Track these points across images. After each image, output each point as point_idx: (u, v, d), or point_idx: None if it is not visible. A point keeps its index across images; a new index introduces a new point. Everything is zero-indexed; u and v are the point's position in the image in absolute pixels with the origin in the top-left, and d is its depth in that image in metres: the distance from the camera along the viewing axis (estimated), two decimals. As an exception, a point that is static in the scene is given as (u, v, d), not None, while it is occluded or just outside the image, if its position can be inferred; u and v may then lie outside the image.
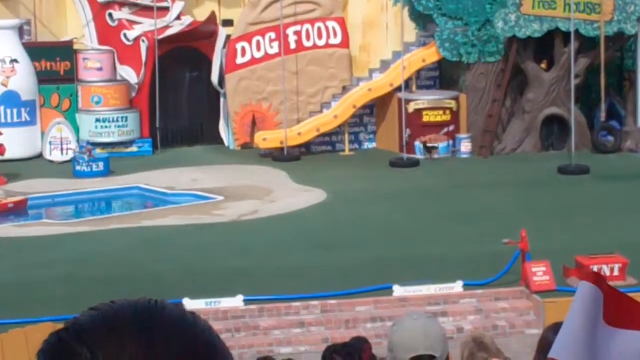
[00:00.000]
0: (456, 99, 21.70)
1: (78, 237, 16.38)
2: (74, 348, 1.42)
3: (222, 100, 22.43)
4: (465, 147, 21.48)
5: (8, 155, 20.07)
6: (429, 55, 21.98)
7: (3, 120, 21.12)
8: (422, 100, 21.65)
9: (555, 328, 5.36)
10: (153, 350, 1.42)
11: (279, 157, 21.28)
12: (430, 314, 4.18)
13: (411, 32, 22.28)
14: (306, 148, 21.91)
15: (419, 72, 22.21)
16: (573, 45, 21.04)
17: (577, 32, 21.15)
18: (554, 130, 21.79)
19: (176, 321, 1.46)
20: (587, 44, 21.59)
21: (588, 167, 19.86)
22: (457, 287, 13.80)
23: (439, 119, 21.53)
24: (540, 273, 13.69)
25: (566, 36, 21.28)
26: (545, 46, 21.58)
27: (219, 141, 22.47)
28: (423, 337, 3.72)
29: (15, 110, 21.46)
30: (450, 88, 22.11)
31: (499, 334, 12.87)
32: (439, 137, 21.53)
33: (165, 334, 1.44)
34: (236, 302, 13.40)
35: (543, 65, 21.88)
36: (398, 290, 13.69)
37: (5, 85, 21.39)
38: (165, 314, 1.46)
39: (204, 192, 18.94)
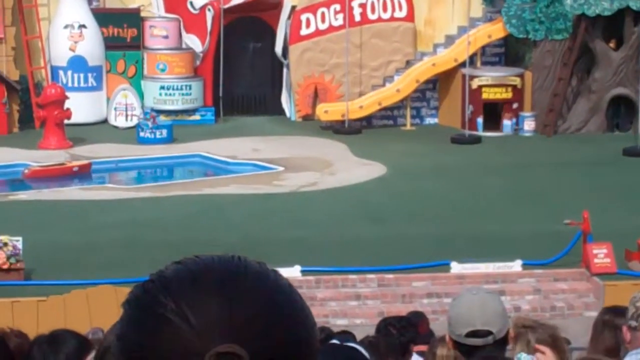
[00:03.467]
0: (521, 76, 21.52)
1: (139, 202, 16.55)
2: (159, 299, 1.44)
3: (284, 71, 22.46)
4: (529, 125, 21.31)
5: (74, 119, 20.28)
6: (495, 31, 21.81)
7: (70, 85, 21.34)
8: (486, 76, 21.50)
9: (611, 311, 5.33)
10: (236, 303, 1.44)
11: (339, 129, 21.28)
12: (494, 291, 4.17)
13: (477, 7, 22.10)
14: (367, 121, 21.88)
15: (484, 47, 22.05)
16: (642, 25, 20.74)
17: (647, 11, 20.84)
18: (620, 110, 21.54)
19: (259, 276, 1.48)
20: (657, 24, 21.28)
21: (653, 149, 19.61)
22: (516, 266, 13.74)
23: (503, 96, 21.38)
24: (601, 255, 13.58)
25: (636, 15, 20.97)
26: (614, 25, 21.30)
27: (281, 112, 22.53)
28: (480, 312, 3.71)
29: (82, 75, 21.68)
30: (515, 65, 21.93)
31: (557, 315, 12.82)
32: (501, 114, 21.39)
33: (247, 288, 1.46)
34: (293, 272, 13.47)
35: (611, 44, 21.61)
36: (455, 267, 13.67)
37: (73, 50, 21.59)
38: (248, 269, 1.49)
39: (265, 162, 19.02)
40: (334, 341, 4.42)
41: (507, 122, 21.38)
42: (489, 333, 3.71)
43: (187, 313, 1.43)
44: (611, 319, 5.20)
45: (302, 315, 1.49)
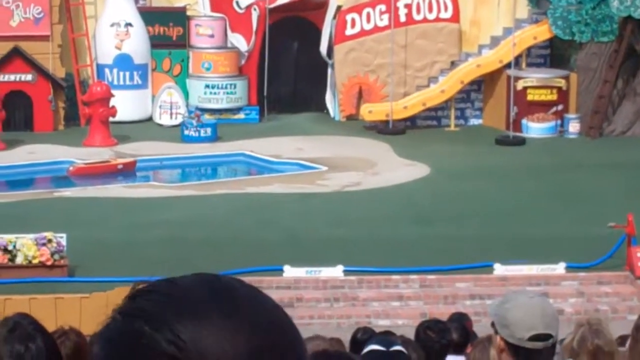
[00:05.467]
0: (566, 78, 21.39)
1: (183, 201, 16.63)
2: (157, 338, 1.35)
3: (329, 70, 22.47)
4: (574, 127, 21.18)
5: (119, 117, 20.41)
6: (541, 32, 21.70)
7: (115, 83, 21.48)
8: (531, 78, 21.40)
9: None
10: (237, 327, 1.34)
11: (383, 129, 21.26)
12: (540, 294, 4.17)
13: (523, 8, 22.00)
14: (411, 122, 21.85)
15: (529, 49, 21.95)
16: (690, 27, 20.55)
17: (695, 14, 20.65)
18: (666, 113, 21.36)
19: (248, 295, 1.38)
20: None
21: (700, 152, 19.42)
22: (560, 268, 13.67)
23: (548, 97, 21.28)
24: (645, 258, 13.47)
25: (683, 18, 20.78)
26: (661, 27, 21.12)
27: (325, 111, 22.55)
28: (541, 316, 3.71)
29: (127, 73, 21.81)
30: (560, 67, 21.81)
31: (600, 317, 12.72)
32: (546, 116, 21.29)
33: (242, 309, 1.36)
34: (336, 272, 13.48)
35: (658, 47, 21.43)
36: (499, 269, 13.62)
37: (119, 49, 21.74)
38: (234, 288, 1.39)
39: (308, 162, 19.04)
40: (377, 347, 4.41)
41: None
42: (550, 336, 3.70)
43: (194, 343, 1.33)
44: None
45: (294, 332, 1.40)
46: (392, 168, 18.67)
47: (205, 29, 22.23)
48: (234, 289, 1.39)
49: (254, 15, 22.15)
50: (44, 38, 21.10)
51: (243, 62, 22.31)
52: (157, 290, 1.40)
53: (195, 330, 1.34)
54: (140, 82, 21.88)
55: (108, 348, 1.38)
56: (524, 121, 21.20)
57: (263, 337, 1.35)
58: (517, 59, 21.56)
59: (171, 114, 21.85)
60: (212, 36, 22.17)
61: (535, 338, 3.69)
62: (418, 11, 22.17)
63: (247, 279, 1.56)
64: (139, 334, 1.36)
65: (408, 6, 22.10)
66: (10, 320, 3.78)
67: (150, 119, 21.91)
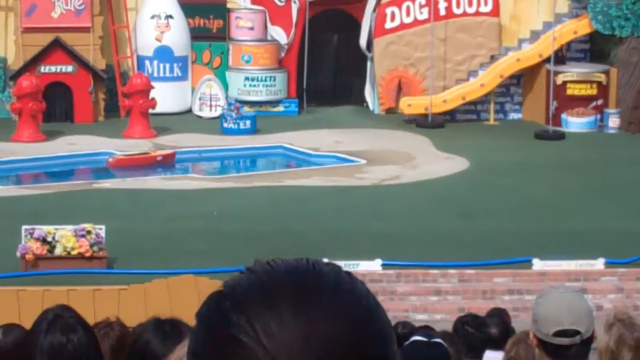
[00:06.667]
0: (606, 72, 21.26)
1: (222, 193, 16.70)
2: (232, 319, 1.41)
3: (368, 64, 22.46)
4: (613, 122, 21.06)
5: (158, 108, 20.50)
6: (581, 27, 21.57)
7: (155, 75, 21.57)
8: (571, 72, 21.28)
9: None
10: (312, 324, 1.39)
11: (422, 123, 21.23)
12: (576, 289, 4.14)
13: (563, 2, 21.88)
14: (450, 115, 21.80)
15: (569, 43, 21.83)
16: None
17: None
18: None
19: (335, 288, 1.43)
20: None
21: None
22: (599, 264, 13.61)
23: (587, 92, 21.16)
24: (685, 255, 13.38)
25: None
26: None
27: (364, 104, 22.54)
28: (568, 312, 3.69)
29: (167, 65, 21.90)
30: (600, 61, 21.68)
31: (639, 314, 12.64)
32: (586, 111, 21.17)
33: (324, 306, 1.41)
34: (374, 266, 13.49)
35: (700, 42, 21.22)
36: (537, 264, 13.57)
37: (159, 41, 21.83)
38: (323, 279, 1.43)
39: (347, 155, 19.05)
40: (420, 338, 4.43)
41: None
42: (577, 333, 3.68)
43: (261, 336, 1.39)
44: None
45: (379, 326, 1.44)
46: (431, 162, 18.64)
47: (245, 21, 22.28)
48: (321, 282, 1.43)
49: (294, 8, 22.17)
50: (85, 30, 21.24)
51: (283, 54, 22.34)
52: (255, 271, 1.45)
53: (268, 322, 1.39)
54: (180, 74, 21.97)
55: (198, 323, 1.45)
56: (563, 116, 21.10)
57: (337, 335, 1.39)
58: (557, 53, 21.45)
59: (211, 106, 21.93)
60: (252, 29, 22.21)
61: (561, 334, 3.67)
62: (458, 5, 22.11)
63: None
64: (222, 315, 1.42)
65: (448, 0, 22.05)
66: (50, 312, 3.80)
67: (189, 111, 22.00)
